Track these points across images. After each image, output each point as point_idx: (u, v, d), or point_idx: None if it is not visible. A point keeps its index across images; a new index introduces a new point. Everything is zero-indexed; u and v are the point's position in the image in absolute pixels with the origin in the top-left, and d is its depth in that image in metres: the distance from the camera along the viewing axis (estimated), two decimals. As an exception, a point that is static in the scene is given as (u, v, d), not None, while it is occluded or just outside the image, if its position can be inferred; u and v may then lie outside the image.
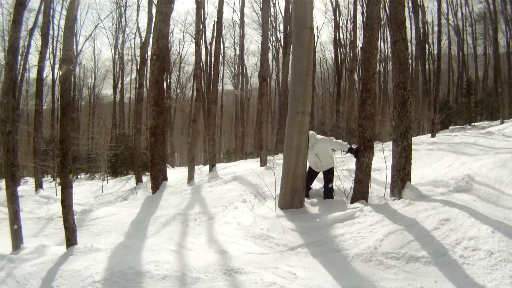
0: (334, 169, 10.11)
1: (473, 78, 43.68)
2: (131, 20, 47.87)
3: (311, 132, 9.43)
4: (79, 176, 31.97)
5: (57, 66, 35.65)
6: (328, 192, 9.79)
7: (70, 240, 7.21)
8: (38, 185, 20.70)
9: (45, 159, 22.79)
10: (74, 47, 39.60)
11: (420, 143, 16.73)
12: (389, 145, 10.59)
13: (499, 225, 6.19)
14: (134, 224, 10.16)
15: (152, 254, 6.35)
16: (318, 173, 10.07)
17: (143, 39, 27.63)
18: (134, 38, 46.82)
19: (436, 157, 13.65)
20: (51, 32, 31.28)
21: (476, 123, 32.72)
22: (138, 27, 37.99)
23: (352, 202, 9.01)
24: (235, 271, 5.85)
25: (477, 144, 15.00)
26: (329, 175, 9.83)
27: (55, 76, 35.97)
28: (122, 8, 45.72)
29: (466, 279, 5.27)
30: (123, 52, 47.31)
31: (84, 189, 22.05)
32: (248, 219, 8.72)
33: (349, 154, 9.89)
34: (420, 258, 5.90)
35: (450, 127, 31.11)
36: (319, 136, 9.92)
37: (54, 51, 37.32)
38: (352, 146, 9.62)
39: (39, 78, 22.81)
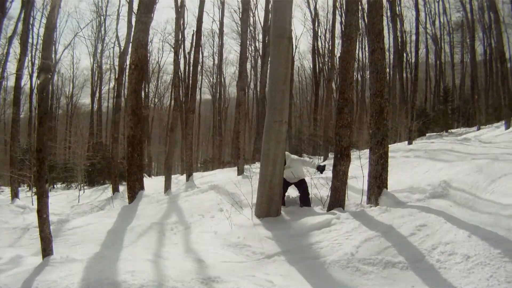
0: (314, 174, 10.32)
1: (450, 85, 44.24)
2: (111, 29, 47.92)
3: (286, 153, 9.57)
4: (55, 186, 31.66)
5: (35, 74, 35.52)
6: (305, 200, 9.86)
7: (46, 250, 7.11)
8: (14, 195, 20.40)
9: (22, 168, 22.53)
10: (53, 55, 39.36)
11: (397, 150, 16.84)
12: (366, 152, 10.68)
13: (475, 229, 6.24)
14: (111, 234, 10.06)
15: (129, 264, 6.29)
16: (291, 183, 10.12)
17: (122, 48, 27.55)
18: (113, 47, 47.00)
19: (413, 164, 13.76)
20: (30, 40, 31.14)
21: (453, 130, 33.13)
22: (117, 36, 37.94)
23: (329, 209, 9.03)
24: (212, 280, 5.81)
25: (454, 151, 15.14)
26: (302, 185, 9.96)
27: (33, 85, 35.74)
28: (102, 17, 45.86)
29: (443, 283, 5.29)
30: (101, 61, 47.36)
31: (61, 199, 21.83)
32: (225, 228, 8.70)
33: (318, 172, 10.26)
34: (397, 263, 5.91)
35: (427, 134, 31.41)
36: (294, 157, 10.27)
37: (33, 60, 37.20)
38: (320, 164, 10.20)
39: (17, 87, 22.57)
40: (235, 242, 7.85)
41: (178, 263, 6.77)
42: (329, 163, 10.17)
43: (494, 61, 38.45)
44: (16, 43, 28.76)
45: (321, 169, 9.94)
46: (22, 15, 21.69)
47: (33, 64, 37.58)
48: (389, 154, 9.43)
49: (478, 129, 28.30)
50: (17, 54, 30.80)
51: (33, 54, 37.19)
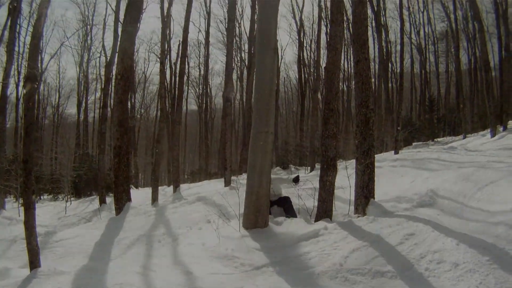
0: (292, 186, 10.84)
1: (435, 95, 44.53)
2: (97, 39, 47.80)
3: None
4: (42, 197, 31.38)
5: (21, 83, 35.33)
6: (290, 211, 9.93)
7: (33, 262, 7.06)
8: (1, 206, 20.17)
9: (8, 179, 22.34)
10: (39, 64, 39.14)
11: (384, 160, 16.91)
12: (352, 163, 10.74)
13: (463, 237, 6.26)
14: (98, 246, 10.00)
15: (117, 277, 6.26)
16: (272, 201, 10.21)
17: (108, 58, 27.64)
18: (100, 57, 46.77)
19: (399, 173, 13.81)
20: (16, 48, 30.94)
21: (439, 139, 33.27)
22: (103, 46, 37.96)
23: (316, 220, 9.06)
24: (201, 292, 5.80)
25: (440, 159, 15.23)
26: (285, 200, 10.17)
27: (19, 94, 35.60)
28: (88, 27, 45.75)
29: (432, 291, 5.31)
30: (88, 71, 47.12)
31: (47, 210, 21.67)
32: (212, 240, 8.66)
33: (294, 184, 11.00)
34: (386, 273, 5.89)
35: (414, 144, 31.52)
36: (273, 176, 10.48)
37: (19, 68, 37.01)
38: (297, 175, 11.18)
39: (3, 96, 22.33)
40: (223, 253, 7.81)
41: (167, 275, 6.75)
42: (315, 173, 10.32)
43: (479, 70, 38.77)
44: (2, 51, 28.58)
45: (295, 180, 10.76)
46: (9, 23, 21.53)
47: (19, 73, 37.46)
48: (376, 164, 9.46)
49: (464, 137, 28.47)
50: (3, 62, 30.61)
51: (19, 62, 37.03)
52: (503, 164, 12.14)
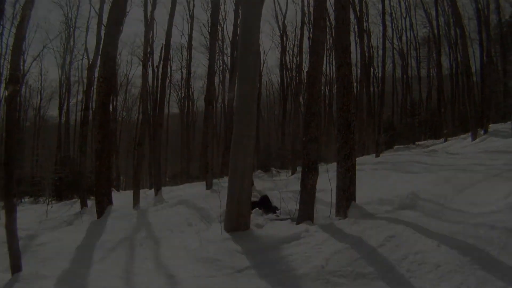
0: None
1: (416, 99, 44.81)
2: (80, 41, 47.10)
3: None
4: (23, 200, 31.05)
5: (3, 85, 34.87)
6: (270, 209, 10.05)
7: (15, 266, 7.00)
8: (-19, 210, 20.00)
9: (-12, 182, 22.10)
10: (21, 66, 38.77)
11: (365, 163, 16.99)
12: (334, 166, 10.73)
13: (444, 238, 6.30)
14: (80, 250, 9.90)
15: (99, 280, 6.25)
16: None
17: (91, 60, 27.50)
18: (82, 59, 46.11)
19: (381, 176, 13.89)
20: (-1, 50, 30.67)
21: (420, 142, 33.56)
22: (86, 49, 37.72)
23: (298, 223, 9.06)
24: (183, 294, 5.79)
25: (421, 162, 15.34)
26: (264, 199, 10.31)
27: (1, 96, 35.16)
28: (71, 29, 45.27)
29: (414, 291, 5.34)
30: (70, 73, 46.57)
31: (28, 214, 21.38)
32: (194, 243, 8.66)
33: None
34: (368, 274, 5.91)
35: (395, 147, 31.74)
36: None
37: (1, 70, 36.55)
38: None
39: (-15, 97, 22.23)
40: (205, 256, 7.80)
41: (149, 278, 6.74)
42: (297, 176, 10.34)
43: (460, 75, 39.10)
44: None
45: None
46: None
47: (0, 74, 37.00)
48: (357, 167, 9.52)
49: (445, 140, 28.76)
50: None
51: (1, 63, 36.59)
52: (483, 167, 12.28)
